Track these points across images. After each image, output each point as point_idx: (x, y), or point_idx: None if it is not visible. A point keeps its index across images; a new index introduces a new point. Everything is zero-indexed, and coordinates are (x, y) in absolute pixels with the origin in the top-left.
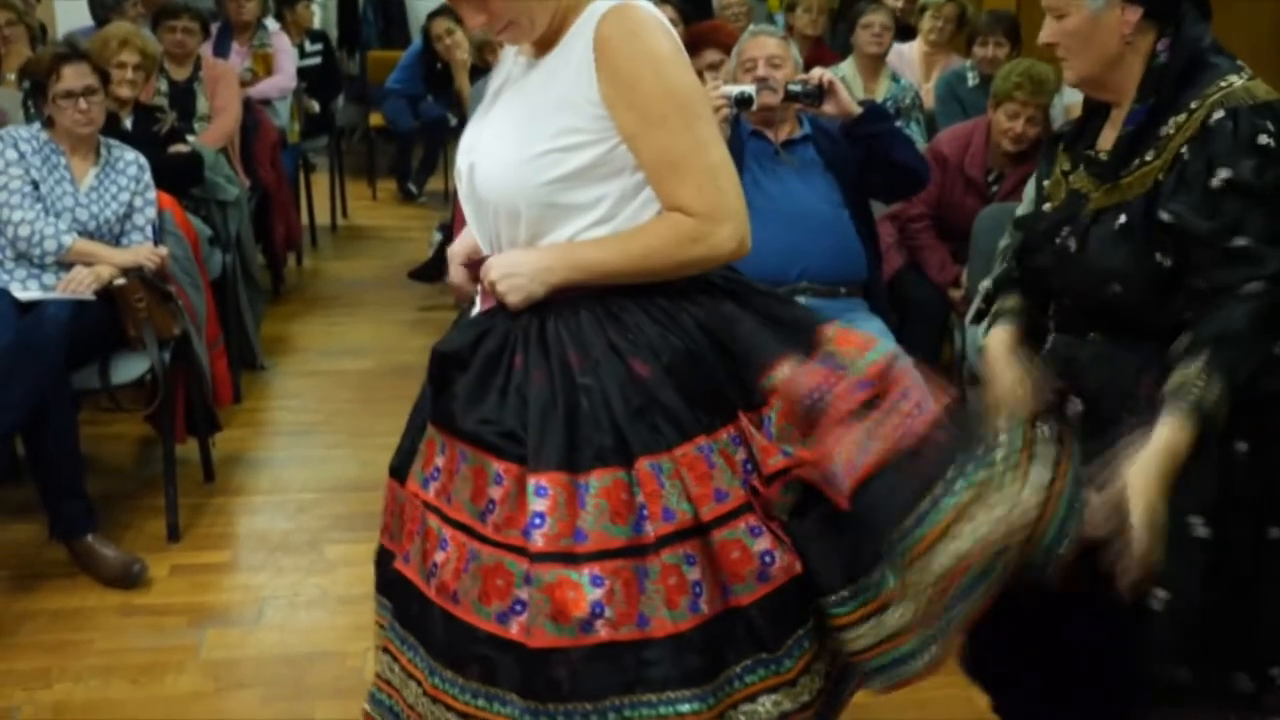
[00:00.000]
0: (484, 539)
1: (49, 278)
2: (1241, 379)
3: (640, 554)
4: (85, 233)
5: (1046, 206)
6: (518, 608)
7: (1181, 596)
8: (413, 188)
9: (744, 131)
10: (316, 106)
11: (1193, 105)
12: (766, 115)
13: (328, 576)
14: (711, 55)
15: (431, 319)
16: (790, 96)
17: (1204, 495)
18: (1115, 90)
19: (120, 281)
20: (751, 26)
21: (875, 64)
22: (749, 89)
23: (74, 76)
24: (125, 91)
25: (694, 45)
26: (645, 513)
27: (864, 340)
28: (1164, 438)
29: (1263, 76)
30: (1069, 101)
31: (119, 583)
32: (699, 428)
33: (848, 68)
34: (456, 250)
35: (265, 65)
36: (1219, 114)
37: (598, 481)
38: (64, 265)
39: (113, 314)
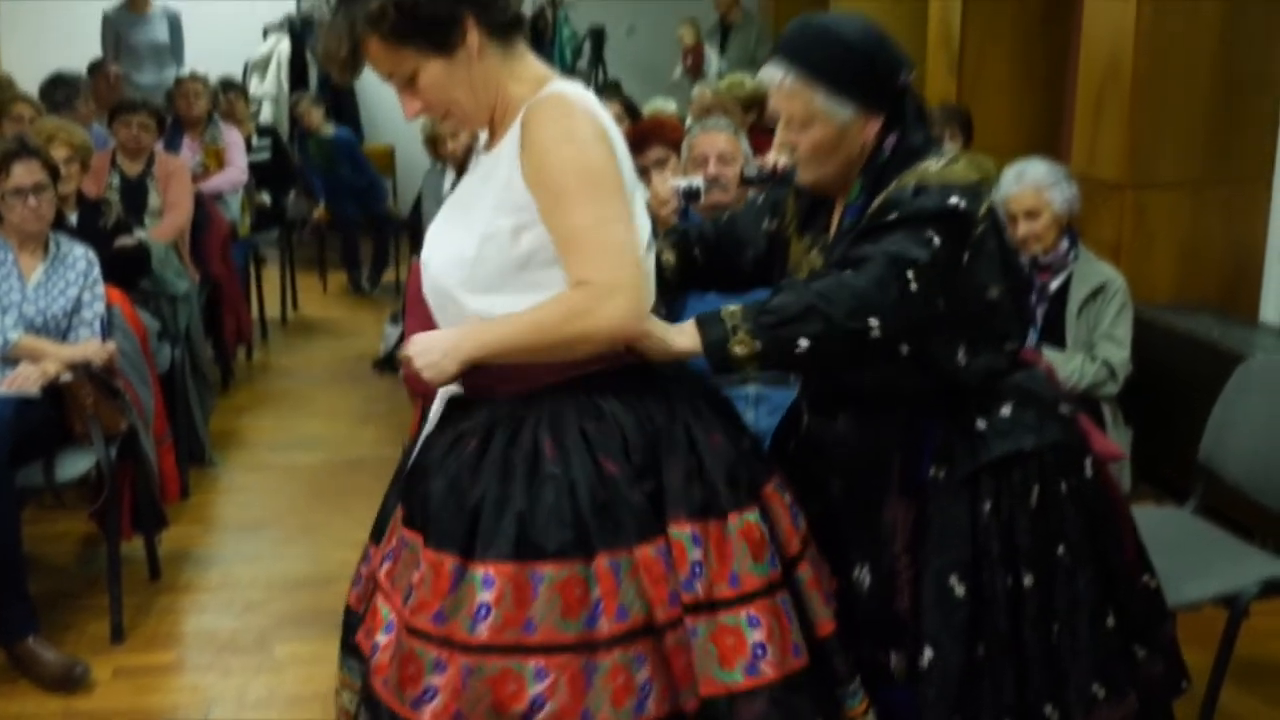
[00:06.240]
0: (406, 627)
1: None
2: (771, 354)
3: (591, 650)
4: (32, 328)
5: None
6: (428, 694)
7: (945, 654)
8: (366, 284)
9: (693, 223)
10: (268, 199)
11: (891, 185)
12: (711, 212)
13: (277, 676)
14: (657, 152)
15: (383, 412)
16: (747, 181)
17: (959, 555)
18: (844, 186)
19: (67, 378)
20: (703, 121)
21: None
22: (698, 182)
23: (24, 174)
24: (65, 186)
25: (639, 142)
26: (600, 609)
27: (764, 541)
28: (676, 338)
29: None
30: (1007, 194)
31: (60, 687)
32: (660, 528)
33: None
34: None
35: (217, 159)
36: (910, 184)
37: (553, 574)
38: (9, 362)
39: (58, 410)
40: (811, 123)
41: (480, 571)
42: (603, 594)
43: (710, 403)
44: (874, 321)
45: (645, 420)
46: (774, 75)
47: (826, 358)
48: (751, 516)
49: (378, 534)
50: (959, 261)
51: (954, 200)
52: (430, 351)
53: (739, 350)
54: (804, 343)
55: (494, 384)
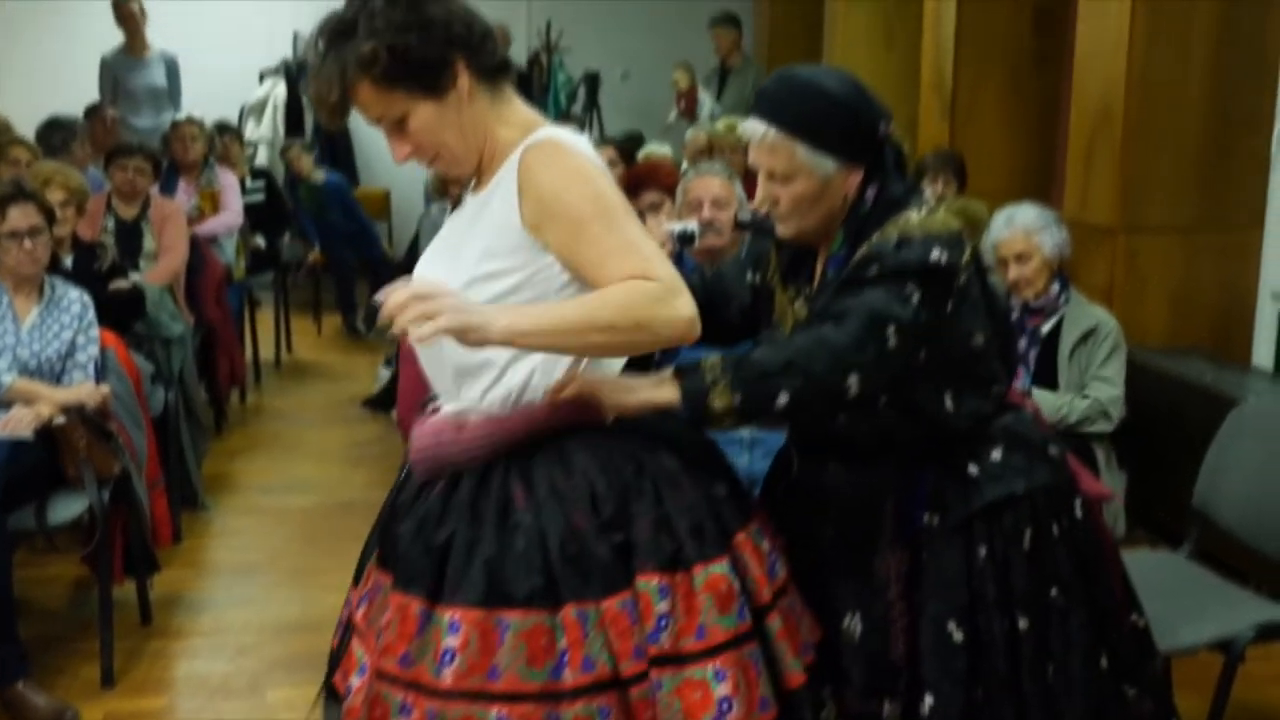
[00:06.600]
0: (375, 670)
1: None
2: (749, 408)
3: (555, 700)
4: (26, 371)
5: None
6: None
7: (946, 700)
8: (361, 327)
9: (688, 267)
10: (262, 243)
11: (874, 237)
12: (707, 255)
13: None
14: (652, 196)
15: (375, 455)
16: (741, 226)
17: (956, 600)
18: (826, 236)
19: (60, 420)
20: (698, 165)
21: None
22: (692, 226)
23: (20, 217)
24: (60, 229)
25: (635, 186)
26: (565, 659)
27: (733, 592)
28: (651, 387)
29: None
30: (998, 238)
31: None
32: (626, 582)
33: None
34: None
35: (212, 203)
36: (893, 236)
37: (519, 622)
38: (2, 404)
39: (51, 453)
40: (794, 176)
41: (447, 616)
42: (569, 644)
43: (682, 449)
44: (852, 379)
45: (614, 473)
46: (755, 129)
47: (805, 412)
48: (718, 568)
49: (358, 577)
50: (942, 314)
51: (936, 254)
52: (442, 298)
53: (718, 403)
54: (783, 398)
55: (458, 456)
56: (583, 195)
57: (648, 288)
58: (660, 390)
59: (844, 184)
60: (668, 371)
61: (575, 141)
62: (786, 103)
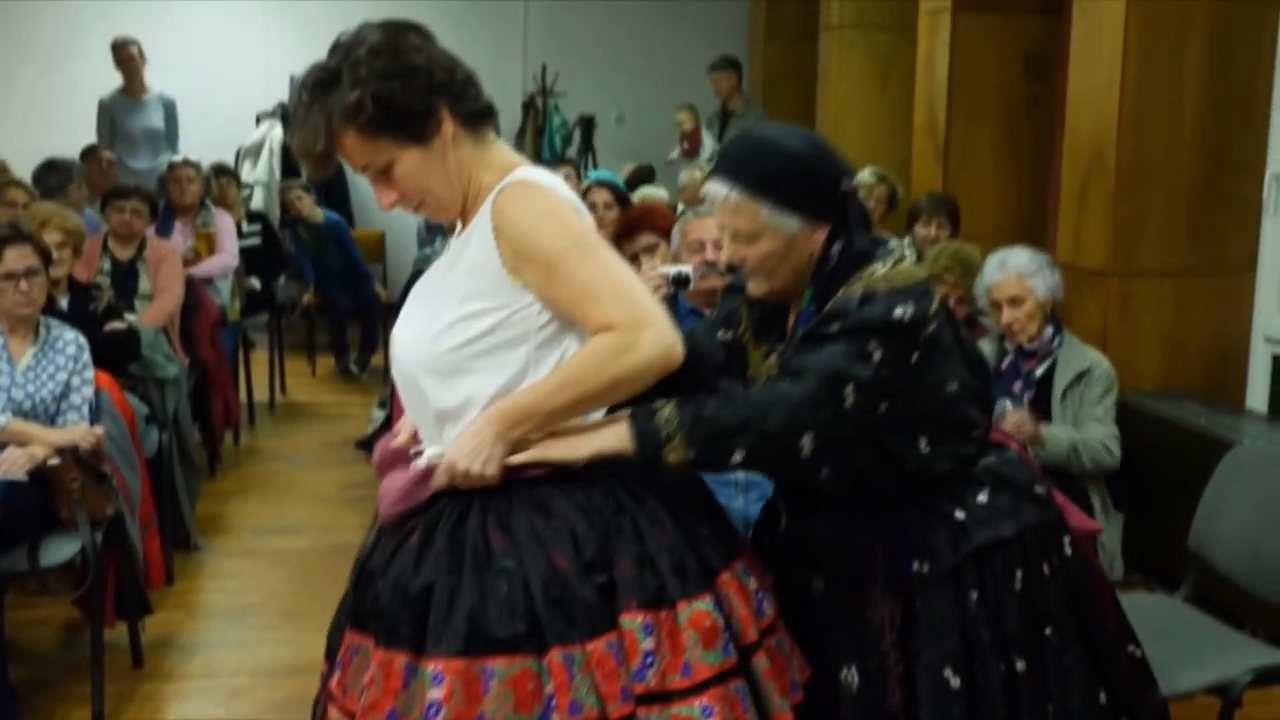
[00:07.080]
0: None
1: None
2: (703, 463)
3: None
4: (20, 412)
5: None
6: None
7: None
8: (354, 368)
9: (682, 310)
10: (257, 284)
11: (839, 292)
12: (708, 296)
13: None
14: (647, 239)
15: (369, 497)
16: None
17: (951, 647)
18: (796, 293)
19: (54, 462)
20: (696, 208)
21: None
22: (686, 269)
23: (16, 258)
24: (57, 271)
25: (630, 229)
26: (553, 704)
27: (718, 629)
28: (604, 433)
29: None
30: (990, 281)
31: None
32: (611, 623)
33: None
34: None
35: (208, 244)
36: (856, 292)
37: (504, 669)
38: None
39: (45, 494)
40: (759, 236)
41: (430, 668)
42: (556, 689)
43: (663, 488)
44: (806, 438)
45: (594, 513)
46: (718, 191)
47: (761, 466)
48: (702, 605)
49: (330, 652)
50: (905, 368)
51: (899, 311)
52: (468, 455)
53: (672, 457)
54: (738, 456)
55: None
56: (552, 234)
57: (609, 343)
58: (613, 438)
59: (809, 242)
60: (623, 414)
61: (547, 180)
62: (747, 162)
